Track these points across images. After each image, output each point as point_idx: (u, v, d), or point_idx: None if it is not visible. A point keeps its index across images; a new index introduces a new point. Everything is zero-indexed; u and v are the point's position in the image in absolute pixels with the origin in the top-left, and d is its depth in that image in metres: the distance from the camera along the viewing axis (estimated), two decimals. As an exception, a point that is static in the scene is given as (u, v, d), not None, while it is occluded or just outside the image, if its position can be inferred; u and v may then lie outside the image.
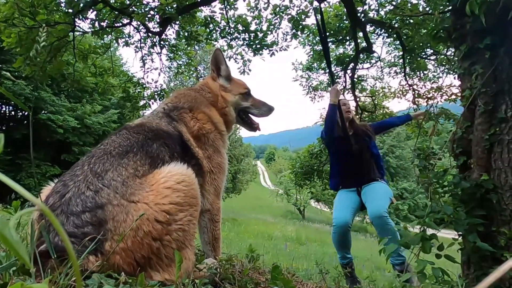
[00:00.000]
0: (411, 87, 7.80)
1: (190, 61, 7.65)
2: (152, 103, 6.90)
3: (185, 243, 1.22)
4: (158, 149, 1.40)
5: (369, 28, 6.75)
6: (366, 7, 6.20)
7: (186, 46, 6.75)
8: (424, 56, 7.15)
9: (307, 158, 9.11)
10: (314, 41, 7.84)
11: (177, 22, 5.83)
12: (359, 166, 3.28)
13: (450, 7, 2.23)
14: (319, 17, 3.65)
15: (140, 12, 4.95)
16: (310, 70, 9.06)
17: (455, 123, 2.24)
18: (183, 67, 7.92)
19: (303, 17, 5.99)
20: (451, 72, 7.07)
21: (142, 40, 6.26)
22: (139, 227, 1.10)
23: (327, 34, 5.33)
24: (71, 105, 17.07)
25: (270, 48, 6.53)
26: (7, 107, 17.48)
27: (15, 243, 0.30)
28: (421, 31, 5.62)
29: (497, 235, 1.78)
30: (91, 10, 4.62)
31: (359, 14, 5.59)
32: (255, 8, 6.17)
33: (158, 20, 5.43)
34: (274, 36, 6.51)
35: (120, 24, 5.36)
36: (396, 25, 5.93)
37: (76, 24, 4.59)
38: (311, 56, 8.34)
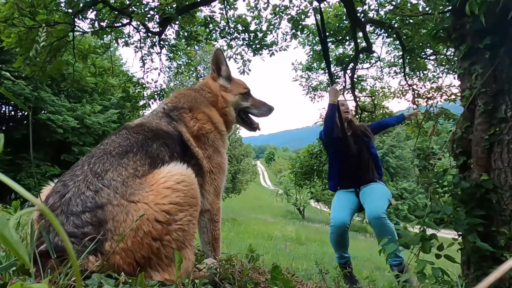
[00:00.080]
0: (410, 87, 7.80)
1: (190, 61, 7.65)
2: (152, 103, 6.91)
3: (185, 243, 1.22)
4: (158, 149, 1.40)
5: (368, 28, 6.76)
6: (365, 7, 6.20)
7: (185, 46, 6.75)
8: (424, 56, 7.15)
9: (307, 158, 9.12)
10: (313, 41, 7.83)
11: (177, 22, 5.82)
12: (358, 167, 3.28)
13: (450, 7, 2.23)
14: (318, 17, 3.66)
15: (139, 12, 4.95)
16: (310, 70, 9.07)
17: (455, 123, 2.24)
18: (183, 67, 7.91)
19: (302, 17, 5.99)
20: (451, 72, 7.07)
21: (141, 40, 6.26)
22: (139, 227, 1.10)
23: (327, 34, 5.33)
24: (71, 105, 17.07)
25: (270, 48, 6.53)
26: (7, 107, 17.48)
27: (15, 243, 0.30)
28: (421, 31, 5.62)
29: (497, 235, 1.78)
30: (91, 10, 4.62)
31: (358, 14, 5.59)
32: (254, 8, 6.17)
33: (157, 20, 5.43)
34: (273, 36, 6.52)
35: (120, 24, 5.36)
36: (396, 25, 5.93)
37: (76, 24, 4.60)
38: (310, 56, 8.34)
